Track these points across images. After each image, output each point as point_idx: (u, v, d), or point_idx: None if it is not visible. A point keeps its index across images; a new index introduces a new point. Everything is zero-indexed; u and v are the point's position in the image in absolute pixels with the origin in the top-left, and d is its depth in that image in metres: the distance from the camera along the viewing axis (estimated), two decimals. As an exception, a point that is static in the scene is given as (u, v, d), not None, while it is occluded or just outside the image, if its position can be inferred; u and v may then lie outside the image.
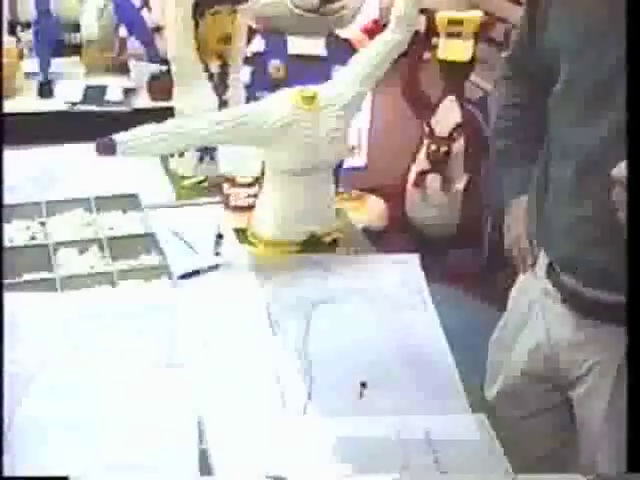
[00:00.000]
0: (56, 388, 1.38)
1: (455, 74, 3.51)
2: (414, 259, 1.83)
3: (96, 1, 2.99)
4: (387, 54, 1.79)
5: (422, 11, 3.14)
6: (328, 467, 1.28)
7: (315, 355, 1.52)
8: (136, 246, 1.77)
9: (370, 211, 3.83)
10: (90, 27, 2.99)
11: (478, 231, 3.62)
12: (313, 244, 1.83)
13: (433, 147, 3.56)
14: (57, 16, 2.94)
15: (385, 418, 1.38)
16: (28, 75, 2.90)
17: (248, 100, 2.24)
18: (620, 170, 1.28)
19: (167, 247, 1.77)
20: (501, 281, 3.08)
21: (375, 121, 4.03)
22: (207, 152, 2.16)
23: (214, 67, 2.16)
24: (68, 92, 2.84)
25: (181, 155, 2.19)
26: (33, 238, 1.79)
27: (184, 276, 1.71)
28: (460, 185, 3.57)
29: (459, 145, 3.55)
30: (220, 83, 2.17)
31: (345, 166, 3.27)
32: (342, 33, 2.92)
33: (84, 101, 2.82)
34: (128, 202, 1.93)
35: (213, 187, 2.12)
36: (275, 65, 2.80)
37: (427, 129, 3.59)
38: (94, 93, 2.86)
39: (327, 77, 1.85)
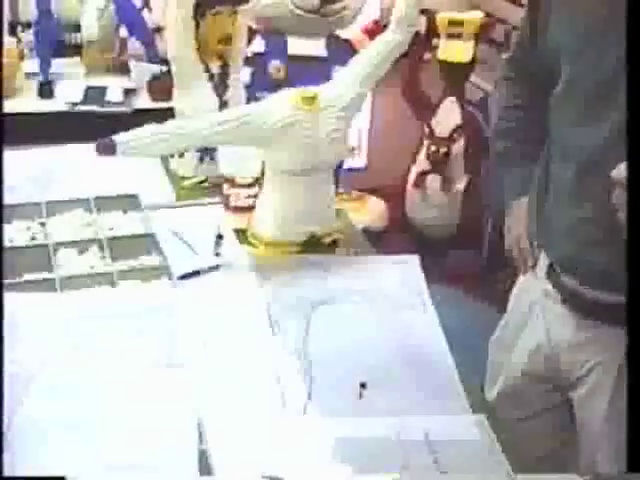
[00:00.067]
0: (56, 388, 1.37)
1: (455, 75, 3.51)
2: (414, 260, 1.84)
3: (97, 1, 2.99)
4: (387, 55, 1.79)
5: (422, 12, 3.14)
6: (328, 467, 1.28)
7: (315, 355, 1.52)
8: (136, 246, 1.77)
9: (370, 212, 3.83)
10: (90, 27, 2.98)
11: (478, 232, 3.62)
12: (313, 245, 1.83)
13: (433, 148, 3.56)
14: (58, 16, 2.93)
15: (385, 419, 1.38)
16: (28, 75, 2.90)
17: (248, 101, 2.24)
18: (620, 171, 1.29)
19: (167, 247, 1.77)
20: (501, 282, 3.09)
21: (375, 122, 4.03)
22: (207, 152, 2.16)
23: (214, 67, 2.16)
24: (68, 92, 2.84)
25: (181, 155, 2.19)
26: (33, 238, 1.79)
27: (184, 276, 1.71)
28: (460, 186, 3.57)
29: (459, 146, 3.55)
30: (220, 83, 2.17)
31: (345, 167, 3.28)
32: (342, 34, 2.93)
33: (84, 101, 2.82)
34: (128, 202, 1.93)
35: (213, 187, 2.12)
36: (275, 66, 2.81)
37: (427, 130, 3.59)
38: (94, 93, 2.86)
39: (327, 78, 1.85)
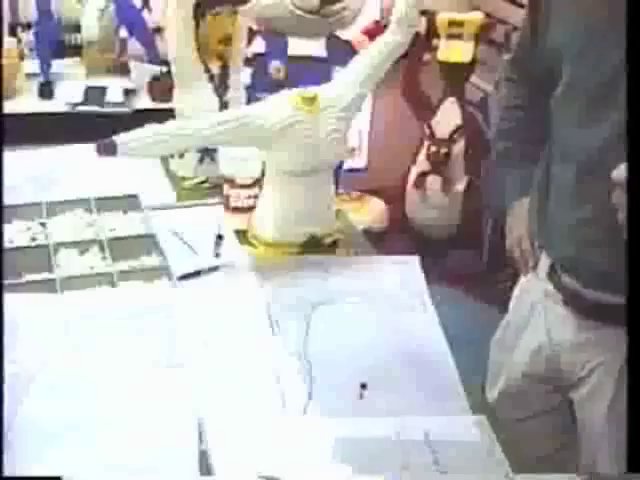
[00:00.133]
0: (56, 388, 1.38)
1: (455, 75, 3.51)
2: (414, 260, 1.84)
3: (97, 2, 2.98)
4: (387, 55, 1.79)
5: (423, 12, 3.14)
6: (328, 467, 1.28)
7: (315, 356, 1.52)
8: (136, 247, 1.78)
9: (370, 212, 3.84)
10: (91, 28, 2.98)
11: (478, 232, 3.62)
12: (313, 245, 1.83)
13: (433, 148, 3.56)
14: (58, 17, 2.93)
15: (385, 419, 1.38)
16: (29, 76, 2.89)
17: (249, 101, 2.24)
18: (621, 172, 1.28)
19: (167, 248, 1.77)
20: (501, 282, 3.10)
21: (375, 122, 4.03)
22: (207, 153, 2.16)
23: (215, 68, 2.16)
24: (69, 93, 2.84)
25: (181, 156, 2.19)
26: (34, 239, 1.79)
27: (184, 277, 1.71)
28: (460, 186, 3.58)
29: (459, 147, 3.55)
30: (220, 84, 2.17)
31: (345, 167, 3.28)
32: (343, 34, 2.92)
33: (85, 102, 2.81)
34: (128, 203, 1.93)
35: (213, 188, 2.12)
36: (275, 66, 2.81)
37: (427, 130, 3.60)
38: (94, 94, 2.85)
39: (327, 78, 1.85)
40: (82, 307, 1.58)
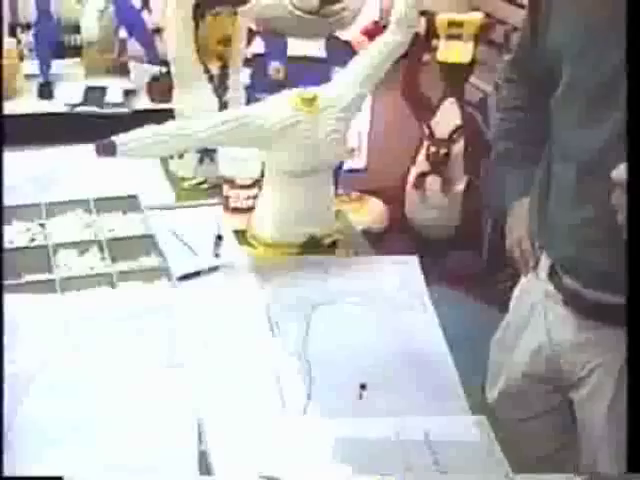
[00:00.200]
0: (56, 388, 1.38)
1: (455, 76, 3.51)
2: (414, 261, 1.84)
3: (96, 3, 2.98)
4: (387, 56, 1.79)
5: (422, 13, 3.15)
6: (328, 468, 1.28)
7: (315, 356, 1.52)
8: (136, 247, 1.78)
9: (370, 213, 3.84)
10: (90, 29, 2.98)
11: (478, 233, 3.62)
12: (313, 246, 1.84)
13: (433, 149, 3.56)
14: (57, 18, 2.93)
15: (385, 419, 1.38)
16: (28, 76, 2.89)
17: (248, 102, 2.24)
18: (620, 172, 1.28)
19: (167, 248, 1.77)
20: (501, 282, 3.10)
21: (375, 123, 4.03)
22: (207, 154, 2.16)
23: (214, 68, 2.16)
24: (68, 93, 2.84)
25: (181, 157, 2.19)
26: (33, 239, 1.79)
27: (184, 277, 1.71)
28: (460, 187, 3.58)
29: (459, 147, 3.55)
30: (220, 85, 2.17)
31: (345, 168, 3.28)
32: (342, 35, 2.93)
33: (84, 102, 2.81)
34: (128, 203, 1.93)
35: (213, 189, 2.12)
36: (275, 67, 2.81)
37: (427, 131, 3.60)
38: (94, 94, 2.85)
39: (327, 79, 1.85)
40: (82, 307, 1.58)
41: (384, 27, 1.82)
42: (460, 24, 3.37)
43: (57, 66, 2.93)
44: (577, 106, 1.51)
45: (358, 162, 4.06)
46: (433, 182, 3.59)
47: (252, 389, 1.44)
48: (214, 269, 1.76)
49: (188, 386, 1.42)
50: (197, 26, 2.09)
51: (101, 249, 1.76)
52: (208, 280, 1.74)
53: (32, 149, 2.25)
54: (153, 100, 2.87)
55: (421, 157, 3.63)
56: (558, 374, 1.68)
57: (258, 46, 2.82)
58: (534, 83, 1.69)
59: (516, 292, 1.82)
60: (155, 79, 2.86)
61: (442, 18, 3.39)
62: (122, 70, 3.00)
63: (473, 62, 3.44)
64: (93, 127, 2.51)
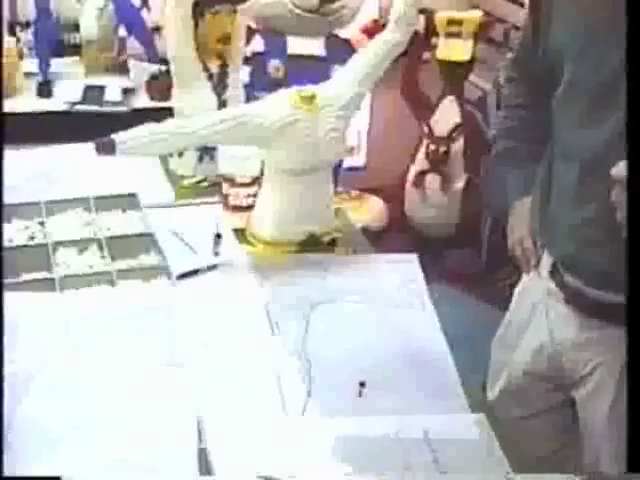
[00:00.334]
0: (55, 388, 1.38)
1: (454, 74, 3.51)
2: (413, 259, 1.84)
3: (96, 1, 2.98)
4: (386, 54, 1.79)
5: (421, 11, 3.15)
6: (327, 466, 1.28)
7: (314, 355, 1.52)
8: (135, 246, 1.77)
9: (369, 211, 3.84)
10: (90, 27, 2.98)
11: (477, 231, 3.62)
12: (312, 244, 1.84)
13: (432, 147, 3.56)
14: (57, 16, 2.93)
15: (384, 417, 1.38)
16: (27, 75, 2.89)
17: (247, 100, 2.24)
18: (619, 170, 1.29)
19: (166, 247, 1.77)
20: (500, 280, 3.10)
21: (374, 121, 4.03)
22: (207, 152, 2.16)
23: (213, 67, 2.16)
24: (67, 92, 2.84)
25: (180, 155, 2.19)
26: (32, 238, 1.79)
27: (183, 276, 1.71)
28: (459, 185, 3.58)
29: (458, 145, 3.55)
30: (219, 83, 2.17)
31: (344, 166, 3.28)
32: (342, 33, 2.92)
33: (83, 101, 2.81)
34: (127, 202, 1.93)
35: (212, 187, 2.12)
36: (274, 65, 2.81)
37: (426, 129, 3.60)
38: (93, 93, 2.85)
39: (326, 77, 1.85)
40: (81, 306, 1.58)
41: (383, 25, 1.82)
42: (459, 22, 3.37)
43: (56, 64, 2.93)
44: (578, 105, 1.51)
45: (357, 160, 4.06)
46: (432, 180, 3.59)
47: (252, 388, 1.44)
48: (213, 267, 1.76)
49: (188, 385, 1.42)
50: (196, 24, 2.09)
51: (100, 247, 1.76)
52: (207, 278, 1.74)
53: (31, 147, 2.25)
54: (152, 98, 2.87)
55: (420, 155, 3.63)
56: (560, 372, 1.68)
57: (257, 44, 2.82)
58: (535, 81, 1.69)
59: (518, 290, 1.82)
60: (154, 77, 2.86)
61: (441, 16, 3.39)
62: (121, 68, 3.00)
63: (472, 60, 3.44)
64: (92, 125, 2.51)
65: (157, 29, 2.87)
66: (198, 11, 2.08)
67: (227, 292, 1.69)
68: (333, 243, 1.88)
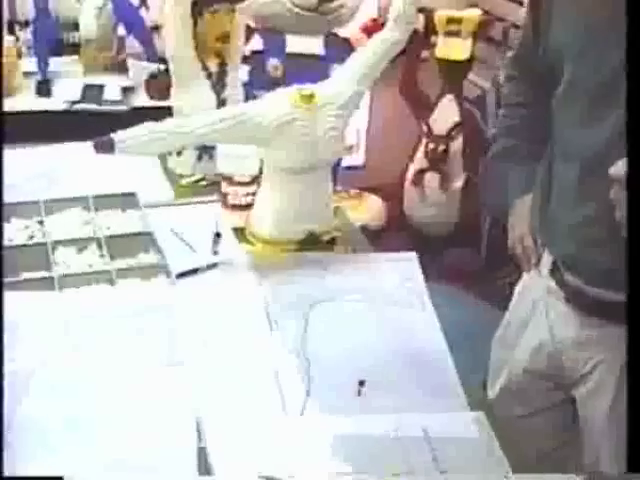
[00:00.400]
0: (55, 387, 1.37)
1: (453, 73, 3.51)
2: (412, 258, 1.84)
3: (95, 0, 2.98)
4: (385, 53, 1.79)
5: (420, 10, 3.15)
6: (327, 465, 1.28)
7: (313, 354, 1.52)
8: (134, 245, 1.77)
9: (368, 210, 3.84)
10: (89, 26, 2.98)
11: (476, 229, 3.62)
12: (311, 243, 1.84)
13: (431, 146, 3.56)
14: (55, 15, 2.93)
15: (383, 416, 1.38)
16: (26, 74, 2.89)
17: (246, 99, 2.24)
18: (618, 168, 1.29)
19: (165, 246, 1.77)
20: (499, 279, 3.10)
21: (373, 120, 4.03)
22: (205, 151, 2.16)
23: (212, 66, 2.16)
24: (66, 91, 2.84)
25: (179, 154, 2.19)
26: (31, 237, 1.79)
27: (182, 275, 1.71)
28: (458, 184, 3.58)
29: (457, 144, 3.55)
30: (218, 82, 2.17)
31: (343, 165, 3.29)
32: (341, 32, 2.93)
33: (82, 100, 2.81)
34: (126, 201, 1.93)
35: (211, 186, 2.12)
36: (273, 64, 2.81)
37: (425, 128, 3.60)
38: (92, 92, 2.85)
39: (325, 76, 1.85)
40: (81, 305, 1.57)
41: (382, 24, 1.82)
42: (459, 21, 3.38)
43: (55, 64, 2.93)
44: (578, 105, 1.51)
45: (356, 159, 4.06)
46: (432, 179, 3.59)
47: (251, 387, 1.44)
48: (213, 266, 1.76)
49: (187, 384, 1.42)
50: (195, 23, 2.09)
51: (100, 246, 1.76)
52: (207, 277, 1.74)
53: (30, 147, 2.25)
54: (151, 97, 2.88)
55: (419, 154, 3.63)
56: (560, 371, 1.68)
57: (256, 43, 2.83)
58: (536, 80, 1.69)
59: (518, 289, 1.82)
60: (153, 76, 2.86)
61: (441, 15, 3.40)
62: (120, 67, 3.00)
63: (471, 59, 3.45)
64: (91, 124, 2.51)
65: (156, 28, 2.88)
66: (197, 10, 2.08)
67: (226, 291, 1.69)
68: (332, 242, 1.88)
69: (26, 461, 1.23)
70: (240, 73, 2.31)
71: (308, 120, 1.71)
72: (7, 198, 1.71)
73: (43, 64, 2.86)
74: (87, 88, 2.86)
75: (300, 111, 1.71)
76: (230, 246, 1.84)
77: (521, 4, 3.22)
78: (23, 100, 2.79)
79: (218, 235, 1.83)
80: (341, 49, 2.70)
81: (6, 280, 1.56)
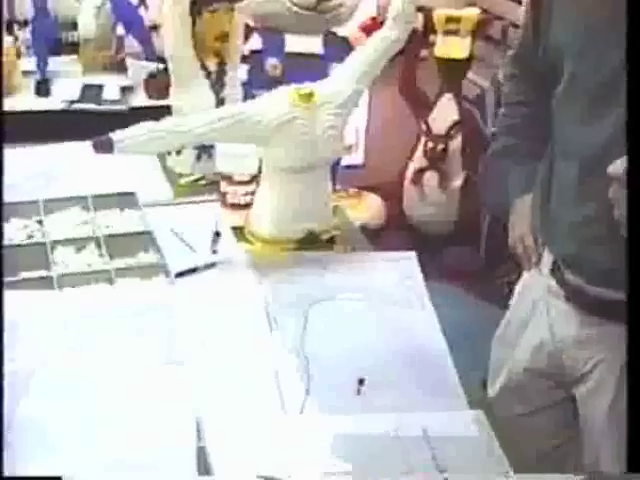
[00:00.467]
0: (54, 386, 1.37)
1: (452, 72, 3.51)
2: (412, 256, 1.83)
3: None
4: (384, 51, 1.79)
5: (419, 9, 3.15)
6: (326, 464, 1.28)
7: (313, 353, 1.52)
8: (134, 244, 1.77)
9: (368, 209, 3.84)
10: (87, 25, 2.98)
11: (476, 228, 3.62)
12: (310, 242, 1.83)
13: (430, 145, 3.56)
14: (54, 14, 2.93)
15: (383, 415, 1.38)
16: (25, 73, 2.89)
17: (245, 98, 2.23)
18: (616, 167, 1.29)
19: (164, 245, 1.77)
20: (499, 278, 3.10)
21: (373, 119, 4.03)
22: (205, 150, 2.16)
23: (211, 65, 2.16)
24: (65, 90, 2.84)
25: (178, 153, 2.19)
26: (30, 236, 1.79)
27: (181, 274, 1.71)
28: (458, 182, 3.58)
29: (456, 143, 3.55)
30: (217, 81, 2.17)
31: (343, 164, 3.28)
32: (340, 31, 2.93)
33: (81, 99, 2.81)
34: (125, 200, 1.93)
35: (210, 185, 2.12)
36: (272, 63, 2.81)
37: (424, 127, 3.60)
38: (91, 91, 2.85)
39: (324, 75, 1.85)
40: (80, 305, 1.58)
41: (381, 23, 1.82)
42: (457, 20, 3.38)
43: (54, 63, 2.93)
44: (578, 104, 1.51)
45: (356, 158, 4.06)
46: (431, 178, 3.59)
47: (250, 386, 1.44)
48: (212, 266, 1.76)
49: (187, 383, 1.42)
50: (194, 23, 2.09)
51: (99, 246, 1.76)
52: (206, 277, 1.74)
53: (29, 146, 2.24)
54: (150, 97, 2.88)
55: (419, 153, 3.63)
56: (560, 370, 1.68)
57: (255, 42, 2.83)
58: (536, 78, 1.69)
59: (518, 288, 1.82)
60: (152, 76, 2.86)
61: (439, 14, 3.40)
62: (119, 67, 3.00)
63: (470, 58, 3.45)
64: (90, 124, 2.51)
65: (155, 27, 2.88)
66: (196, 9, 2.07)
67: (226, 290, 1.69)
68: (332, 241, 1.88)
69: (26, 461, 1.23)
70: (239, 72, 2.31)
71: (307, 119, 1.71)
72: (6, 198, 1.71)
73: (42, 64, 2.86)
74: (86, 88, 2.86)
75: (299, 110, 1.71)
76: (229, 245, 1.84)
77: (520, 3, 3.21)
78: (22, 100, 2.79)
79: (217, 234, 1.83)
80: (340, 48, 2.70)
81: (5, 280, 1.56)
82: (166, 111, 2.14)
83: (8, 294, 1.48)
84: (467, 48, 3.40)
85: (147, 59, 2.93)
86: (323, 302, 1.66)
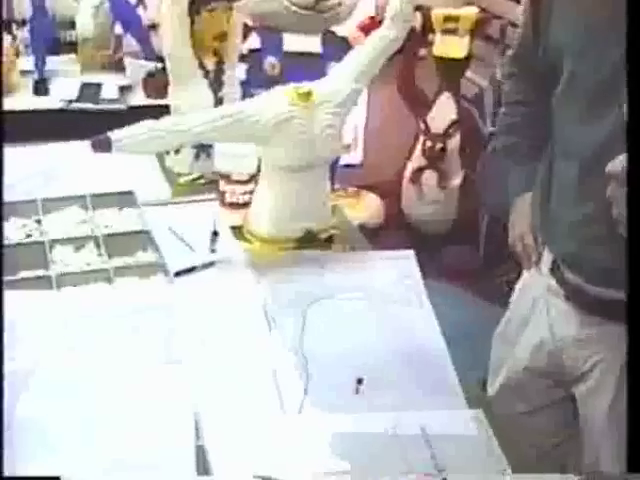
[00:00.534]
0: (53, 386, 1.37)
1: (451, 71, 3.51)
2: (410, 256, 1.84)
3: (92, -1, 2.99)
4: (383, 51, 1.79)
5: (418, 8, 3.15)
6: (325, 463, 1.28)
7: (311, 352, 1.52)
8: (132, 243, 1.77)
9: (366, 208, 3.84)
10: (86, 25, 2.98)
11: (474, 227, 3.62)
12: (309, 241, 1.84)
13: (429, 144, 3.56)
14: (53, 14, 2.93)
15: (382, 414, 1.38)
16: (24, 73, 2.89)
17: (244, 97, 2.23)
18: (615, 165, 1.29)
19: (163, 244, 1.77)
20: (498, 277, 3.10)
21: (371, 118, 4.03)
22: (203, 149, 2.16)
23: (210, 64, 2.16)
24: (64, 90, 2.84)
25: (177, 152, 2.19)
26: (29, 236, 1.79)
27: (180, 273, 1.71)
28: (456, 181, 3.58)
29: (455, 142, 3.55)
30: (216, 80, 2.17)
31: (341, 163, 3.28)
32: (338, 30, 2.92)
33: (80, 99, 2.81)
34: (124, 199, 1.93)
35: (209, 184, 2.12)
36: (271, 62, 2.80)
37: (423, 126, 3.60)
38: (90, 91, 2.85)
39: (323, 74, 1.85)
40: (78, 304, 1.57)
41: (380, 22, 1.82)
42: (456, 19, 3.38)
43: (52, 62, 2.93)
44: (578, 103, 1.51)
45: (354, 157, 4.06)
46: (429, 177, 3.59)
47: (249, 385, 1.44)
48: (210, 265, 1.76)
49: (185, 382, 1.42)
50: (193, 22, 2.09)
51: (97, 245, 1.76)
52: (205, 276, 1.74)
53: (28, 145, 2.24)
54: (149, 96, 2.87)
55: (417, 152, 3.63)
56: (560, 369, 1.69)
57: (254, 42, 2.82)
58: (536, 77, 1.69)
59: (518, 287, 1.83)
60: (151, 75, 2.86)
61: (438, 13, 3.40)
62: (118, 66, 3.00)
63: (469, 57, 3.45)
64: (89, 123, 2.50)
65: (153, 26, 2.87)
66: (194, 8, 2.08)
67: (224, 289, 1.69)
68: (330, 240, 1.88)
69: (26, 461, 1.23)
70: (237, 71, 2.32)
71: (305, 118, 1.71)
72: (5, 197, 1.71)
73: (40, 63, 2.86)
74: (84, 87, 2.86)
75: (297, 109, 1.71)
76: (228, 244, 1.84)
77: (518, 2, 3.21)
78: (20, 99, 2.78)
79: (216, 233, 1.83)
80: (339, 47, 2.69)
81: (4, 279, 1.55)
82: (164, 110, 2.14)
83: (7, 293, 1.48)
84: (465, 47, 3.40)
85: (145, 58, 2.93)
86: (322, 301, 1.66)
